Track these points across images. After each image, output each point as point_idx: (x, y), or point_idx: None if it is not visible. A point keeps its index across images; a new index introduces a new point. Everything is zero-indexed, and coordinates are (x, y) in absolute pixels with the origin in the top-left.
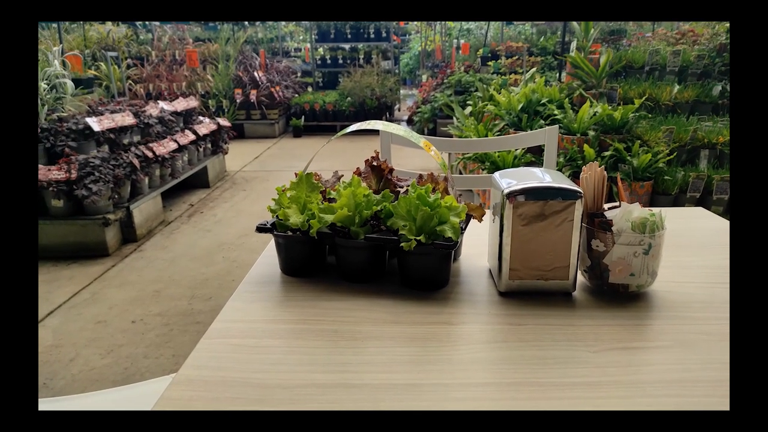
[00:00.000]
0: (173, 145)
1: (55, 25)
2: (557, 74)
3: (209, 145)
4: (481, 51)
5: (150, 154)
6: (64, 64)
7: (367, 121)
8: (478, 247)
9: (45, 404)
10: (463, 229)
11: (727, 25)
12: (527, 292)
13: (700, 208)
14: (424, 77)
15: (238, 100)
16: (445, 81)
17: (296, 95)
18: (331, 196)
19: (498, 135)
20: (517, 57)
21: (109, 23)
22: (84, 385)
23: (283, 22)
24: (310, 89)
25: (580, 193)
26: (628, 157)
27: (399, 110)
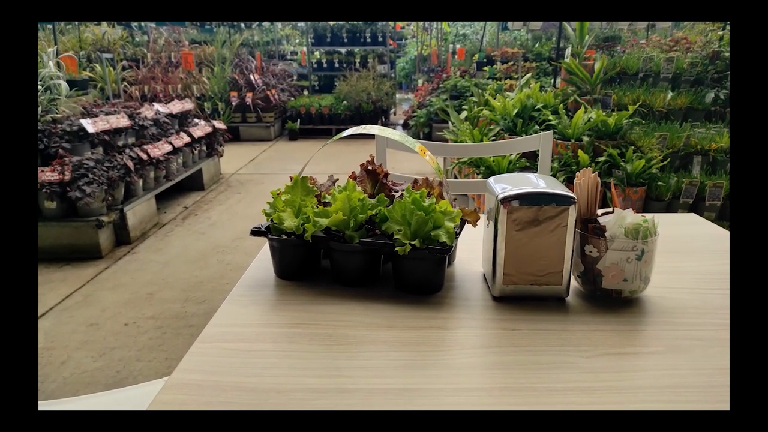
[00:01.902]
0: (168, 148)
1: (50, 26)
2: (552, 80)
3: (204, 148)
4: (476, 56)
5: (144, 156)
6: (58, 65)
7: (363, 126)
8: (472, 251)
9: None
10: (457, 234)
11: (720, 33)
12: (521, 297)
13: (693, 215)
14: (420, 82)
15: (233, 103)
16: (441, 85)
17: (292, 98)
18: (326, 200)
19: (493, 140)
20: (512, 62)
21: (105, 25)
22: (76, 388)
23: (280, 25)
24: (306, 92)
25: (574, 198)
26: (622, 163)
27: (395, 114)
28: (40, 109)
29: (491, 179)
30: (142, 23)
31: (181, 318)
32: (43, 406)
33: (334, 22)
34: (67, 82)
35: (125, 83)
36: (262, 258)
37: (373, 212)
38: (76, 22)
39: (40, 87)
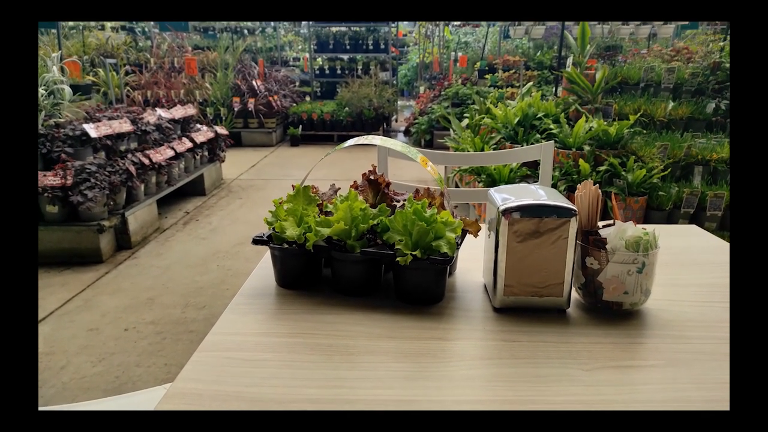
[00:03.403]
0: (170, 153)
1: (54, 30)
2: (553, 89)
3: (206, 153)
4: (478, 64)
5: (146, 161)
6: (62, 70)
7: (365, 136)
8: (473, 261)
9: None
10: (458, 245)
11: (721, 43)
12: (522, 309)
13: (694, 226)
14: (422, 89)
15: (236, 109)
16: (443, 93)
17: (294, 104)
18: (328, 210)
19: (494, 148)
20: (514, 71)
21: (109, 30)
22: (75, 393)
23: (282, 32)
24: (308, 99)
25: (575, 211)
26: (623, 173)
27: (396, 121)
28: (43, 113)
29: (492, 190)
30: (146, 28)
31: (181, 323)
32: None
33: (337, 29)
34: (71, 86)
35: (128, 88)
36: (263, 266)
37: (375, 222)
38: (81, 27)
39: (43, 91)
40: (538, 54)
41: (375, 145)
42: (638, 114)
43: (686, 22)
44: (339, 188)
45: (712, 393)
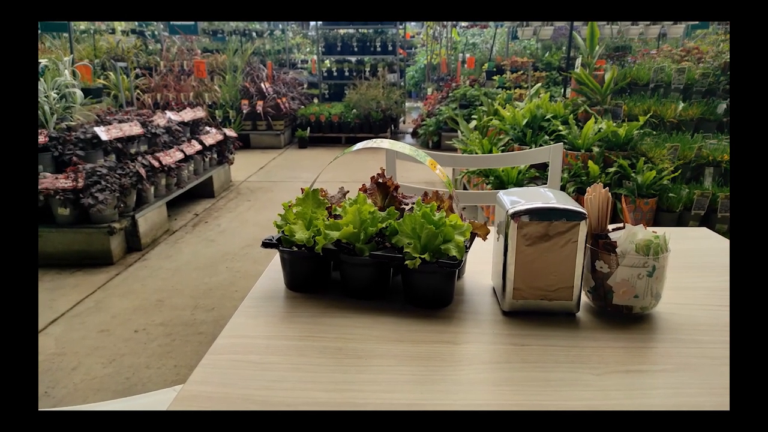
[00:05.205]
0: (179, 155)
1: (66, 34)
2: (562, 90)
3: (215, 155)
4: (486, 65)
5: (156, 164)
6: (74, 73)
7: (373, 140)
8: (482, 264)
9: None
10: (467, 248)
11: None
12: (531, 312)
13: (705, 229)
14: (430, 90)
15: (244, 111)
16: (450, 94)
17: (302, 107)
18: (337, 213)
19: (502, 149)
20: (522, 72)
21: (119, 33)
22: (85, 394)
23: (291, 34)
24: (316, 101)
25: (585, 214)
26: (633, 174)
27: (404, 123)
28: (55, 116)
29: (501, 193)
30: (155, 31)
31: (190, 325)
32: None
33: (345, 31)
34: (82, 90)
35: (138, 91)
36: (272, 269)
37: (384, 225)
38: (92, 31)
39: (55, 95)
40: (547, 55)
41: (383, 148)
42: (648, 115)
43: (696, 22)
44: (348, 191)
45: (723, 398)
